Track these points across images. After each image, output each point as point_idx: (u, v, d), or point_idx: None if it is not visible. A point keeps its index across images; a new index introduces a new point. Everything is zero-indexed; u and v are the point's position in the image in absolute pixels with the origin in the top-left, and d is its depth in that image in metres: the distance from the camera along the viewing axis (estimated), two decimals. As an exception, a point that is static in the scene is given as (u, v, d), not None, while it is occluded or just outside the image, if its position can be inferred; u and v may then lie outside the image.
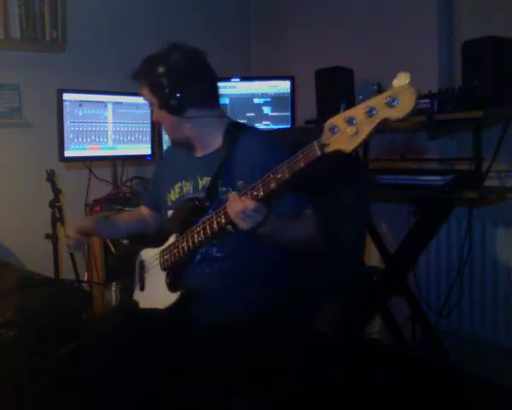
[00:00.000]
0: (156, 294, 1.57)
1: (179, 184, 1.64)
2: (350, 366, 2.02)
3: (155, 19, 3.11)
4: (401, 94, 1.01)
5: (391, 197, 2.62)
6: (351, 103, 2.45)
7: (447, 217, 2.45)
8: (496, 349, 2.36)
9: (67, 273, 2.56)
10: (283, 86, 2.80)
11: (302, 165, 1.17)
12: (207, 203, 1.50)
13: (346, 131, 1.09)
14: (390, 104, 1.03)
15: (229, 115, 1.71)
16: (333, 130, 1.11)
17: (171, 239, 1.55)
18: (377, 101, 1.05)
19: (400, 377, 2.35)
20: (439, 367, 2.40)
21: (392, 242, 2.51)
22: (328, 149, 1.12)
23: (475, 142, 2.17)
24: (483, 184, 2.18)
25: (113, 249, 2.52)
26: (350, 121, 1.08)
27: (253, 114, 2.79)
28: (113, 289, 1.76)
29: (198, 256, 1.54)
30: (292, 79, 2.80)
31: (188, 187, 1.62)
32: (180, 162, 1.68)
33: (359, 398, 2.07)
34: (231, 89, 2.76)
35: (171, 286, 1.53)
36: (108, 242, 2.54)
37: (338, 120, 1.11)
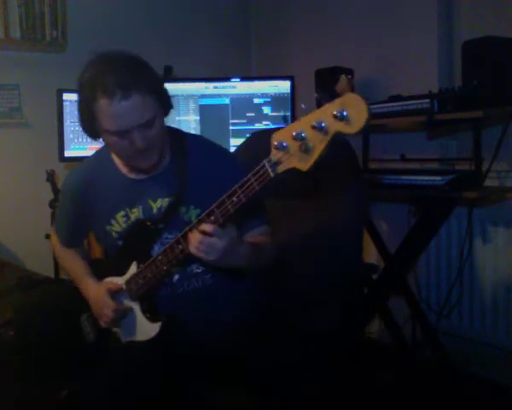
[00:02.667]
0: (135, 325, 1.46)
1: (122, 213, 1.45)
2: (350, 365, 2.02)
3: (155, 19, 3.11)
4: (350, 106, 0.90)
5: (391, 197, 2.62)
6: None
7: (447, 217, 2.45)
8: (496, 349, 2.36)
9: (67, 273, 2.55)
10: (283, 86, 2.79)
11: (257, 188, 1.08)
12: (161, 225, 1.39)
13: (297, 148, 0.99)
14: (339, 117, 0.92)
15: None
16: (281, 146, 1.01)
17: (133, 267, 1.43)
18: (324, 112, 0.94)
19: (400, 377, 2.35)
20: (439, 367, 2.40)
21: (392, 242, 2.50)
22: (282, 169, 1.04)
23: (475, 142, 2.16)
24: (483, 184, 2.18)
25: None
26: (298, 136, 0.98)
27: (253, 114, 2.79)
28: (85, 318, 1.62)
29: (176, 277, 1.45)
30: (292, 79, 2.79)
31: (136, 213, 1.44)
32: (113, 189, 1.46)
33: (359, 398, 2.07)
34: (231, 89, 2.75)
35: (150, 317, 1.43)
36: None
37: (284, 135, 1.01)
